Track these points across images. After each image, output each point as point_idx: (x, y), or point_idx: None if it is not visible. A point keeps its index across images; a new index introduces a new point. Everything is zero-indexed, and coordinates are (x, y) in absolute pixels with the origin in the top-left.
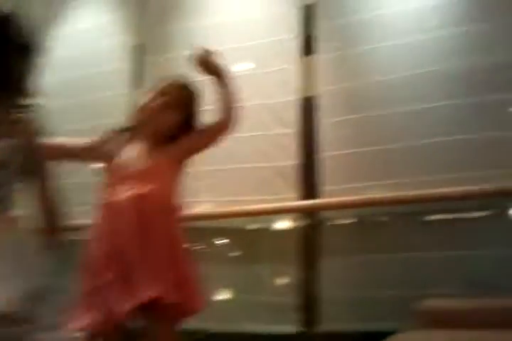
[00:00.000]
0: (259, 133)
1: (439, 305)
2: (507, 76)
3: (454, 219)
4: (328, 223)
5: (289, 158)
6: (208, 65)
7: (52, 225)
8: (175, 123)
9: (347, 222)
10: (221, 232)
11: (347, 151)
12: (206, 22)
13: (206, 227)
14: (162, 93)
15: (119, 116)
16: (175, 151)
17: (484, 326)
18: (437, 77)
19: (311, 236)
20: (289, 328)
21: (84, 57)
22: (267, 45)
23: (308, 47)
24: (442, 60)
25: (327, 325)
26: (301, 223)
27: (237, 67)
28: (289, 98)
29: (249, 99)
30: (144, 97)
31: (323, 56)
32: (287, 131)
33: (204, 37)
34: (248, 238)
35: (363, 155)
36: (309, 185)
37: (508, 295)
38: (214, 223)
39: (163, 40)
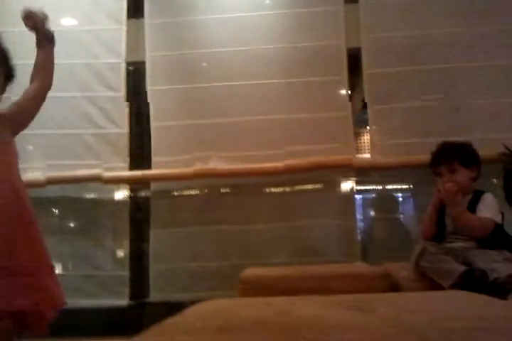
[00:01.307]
0: (82, 94)
1: (257, 274)
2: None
3: (289, 192)
4: (160, 194)
5: (118, 126)
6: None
7: None
8: None
9: (179, 193)
10: (49, 202)
11: (178, 122)
12: None
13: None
14: None
15: None
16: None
17: (295, 292)
18: (266, 55)
19: (143, 208)
20: (120, 301)
21: None
22: (91, 1)
23: (136, 10)
24: (269, 40)
25: (157, 296)
26: (133, 194)
27: (59, 22)
28: (116, 60)
29: (72, 56)
30: None
31: (150, 21)
32: (114, 95)
33: None
34: (77, 209)
35: (194, 127)
36: (140, 155)
37: (334, 260)
38: (40, 192)
39: None
